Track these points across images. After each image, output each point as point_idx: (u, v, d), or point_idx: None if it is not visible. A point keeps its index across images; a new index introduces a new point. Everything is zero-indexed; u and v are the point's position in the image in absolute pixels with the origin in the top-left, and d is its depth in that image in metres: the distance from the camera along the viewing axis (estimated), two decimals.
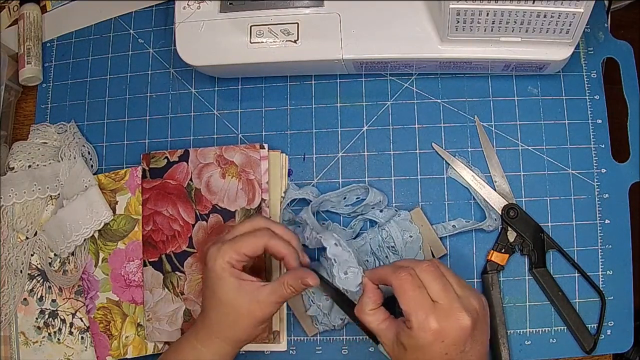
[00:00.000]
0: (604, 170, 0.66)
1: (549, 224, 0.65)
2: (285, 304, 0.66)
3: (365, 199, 0.66)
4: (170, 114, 0.74)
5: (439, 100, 0.70)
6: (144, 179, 0.70)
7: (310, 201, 0.67)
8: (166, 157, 0.70)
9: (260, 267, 0.65)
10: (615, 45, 0.69)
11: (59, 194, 0.72)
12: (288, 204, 0.68)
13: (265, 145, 0.69)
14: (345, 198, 0.67)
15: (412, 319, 0.49)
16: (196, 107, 0.74)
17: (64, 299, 0.71)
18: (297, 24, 0.65)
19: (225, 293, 0.55)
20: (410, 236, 0.64)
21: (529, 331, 0.64)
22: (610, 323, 0.63)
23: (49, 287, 0.71)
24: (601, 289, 0.64)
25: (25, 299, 0.71)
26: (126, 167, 0.72)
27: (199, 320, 0.59)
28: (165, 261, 0.68)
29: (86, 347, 0.70)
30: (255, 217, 0.61)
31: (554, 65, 0.64)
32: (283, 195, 0.68)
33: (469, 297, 0.51)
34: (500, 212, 0.65)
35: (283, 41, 0.65)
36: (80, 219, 0.69)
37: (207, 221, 0.68)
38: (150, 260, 0.69)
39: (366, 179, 0.69)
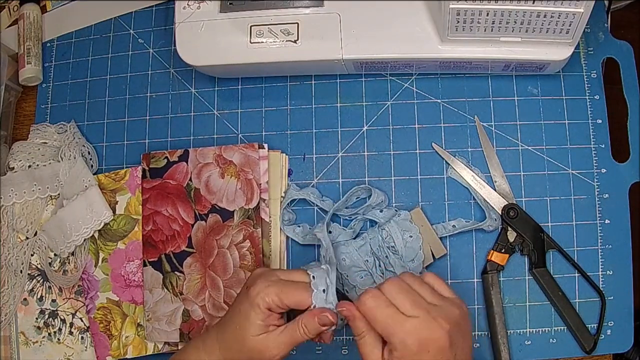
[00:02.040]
0: (604, 170, 0.66)
1: (549, 224, 0.65)
2: None
3: (366, 199, 0.66)
4: (170, 114, 0.74)
5: (439, 100, 0.70)
6: (144, 179, 0.70)
7: (311, 202, 0.67)
8: (166, 157, 0.70)
9: None
10: (615, 45, 0.69)
11: (59, 194, 0.72)
12: (288, 204, 0.68)
13: (265, 145, 0.69)
14: (346, 200, 0.67)
15: (392, 340, 0.48)
16: (196, 107, 0.74)
17: (64, 299, 0.71)
18: (297, 24, 0.65)
19: (246, 323, 0.54)
20: (410, 236, 0.64)
21: (529, 331, 0.64)
22: (610, 323, 0.63)
23: (49, 287, 0.71)
24: (601, 289, 0.64)
25: (25, 299, 0.71)
26: (126, 167, 0.72)
27: (214, 327, 0.58)
28: (165, 261, 0.68)
29: (86, 347, 0.70)
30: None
31: (554, 65, 0.64)
32: (283, 195, 0.68)
33: (443, 305, 0.50)
34: (500, 212, 0.65)
35: (283, 41, 0.65)
36: (80, 219, 0.69)
37: (206, 221, 0.68)
38: (150, 260, 0.69)
39: (366, 179, 0.69)
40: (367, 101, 0.71)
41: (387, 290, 0.50)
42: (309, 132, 0.71)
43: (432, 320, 0.48)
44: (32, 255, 0.72)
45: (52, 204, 0.72)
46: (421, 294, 0.51)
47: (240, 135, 0.72)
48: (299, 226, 0.68)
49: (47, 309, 0.71)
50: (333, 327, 0.54)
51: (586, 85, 0.68)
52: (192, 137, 0.73)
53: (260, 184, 0.68)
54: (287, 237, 0.69)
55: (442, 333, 0.48)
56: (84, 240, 0.70)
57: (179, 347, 0.68)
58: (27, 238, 0.72)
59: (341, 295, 0.59)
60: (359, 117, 0.70)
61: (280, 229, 0.68)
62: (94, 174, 0.72)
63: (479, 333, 0.65)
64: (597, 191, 0.66)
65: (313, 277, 0.54)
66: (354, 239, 0.66)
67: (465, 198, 0.67)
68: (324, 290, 0.54)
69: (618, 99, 0.68)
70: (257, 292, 0.53)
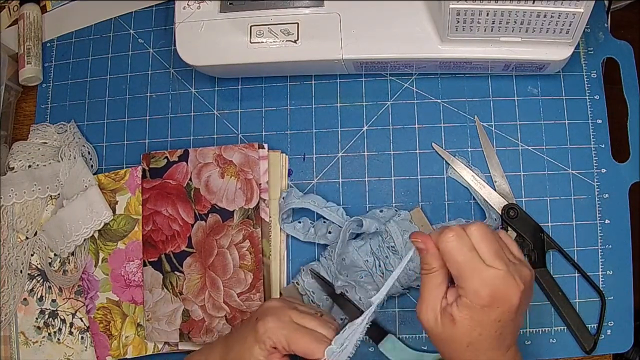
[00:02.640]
0: (604, 170, 0.66)
1: (549, 224, 0.65)
2: None
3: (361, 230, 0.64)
4: (170, 114, 0.74)
5: (439, 100, 0.70)
6: (143, 179, 0.70)
7: (311, 212, 0.67)
8: (166, 157, 0.70)
9: None
10: (615, 45, 0.69)
11: (59, 194, 0.72)
12: (289, 215, 0.68)
13: (265, 145, 0.69)
14: (344, 239, 0.64)
15: (466, 285, 0.46)
16: (196, 107, 0.74)
17: (64, 299, 0.71)
18: (297, 24, 0.65)
19: (248, 356, 0.53)
20: None
21: (529, 331, 0.64)
22: (610, 323, 0.63)
23: (49, 287, 0.71)
24: (601, 289, 0.64)
25: (25, 299, 0.71)
26: (126, 167, 0.72)
27: (217, 343, 0.57)
28: (165, 261, 0.68)
29: (86, 347, 0.70)
30: (328, 320, 0.56)
31: (554, 65, 0.64)
32: (283, 198, 0.68)
33: (521, 265, 0.48)
34: (500, 212, 0.65)
35: (283, 41, 0.65)
36: (80, 219, 0.69)
37: (206, 221, 0.68)
38: (150, 260, 0.69)
39: (366, 179, 0.69)
40: (367, 101, 0.71)
41: (472, 234, 0.47)
42: (309, 132, 0.71)
43: (510, 276, 0.46)
44: (32, 255, 0.72)
45: (52, 204, 0.72)
46: (500, 247, 0.48)
47: (240, 135, 0.72)
48: (300, 222, 0.68)
49: (47, 309, 0.71)
50: None
51: (586, 85, 0.68)
52: (192, 137, 0.73)
53: (260, 184, 0.68)
54: (287, 237, 0.69)
55: (516, 292, 0.46)
56: (84, 240, 0.70)
57: (179, 347, 0.68)
58: (27, 238, 0.72)
59: (338, 295, 0.60)
60: (359, 117, 0.70)
61: (281, 228, 0.68)
62: (94, 174, 0.72)
63: None
64: (597, 191, 0.66)
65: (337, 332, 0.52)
66: (354, 239, 0.66)
67: (465, 198, 0.67)
68: (341, 344, 0.51)
69: (618, 99, 0.68)
70: (265, 330, 0.52)
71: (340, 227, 0.65)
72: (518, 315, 0.48)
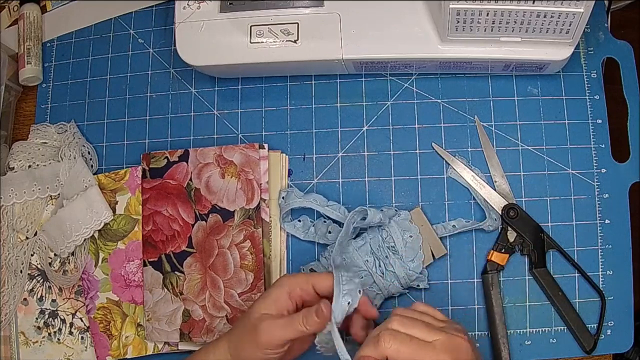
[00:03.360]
0: (604, 170, 0.66)
1: (549, 224, 0.65)
2: None
3: (365, 223, 0.64)
4: (170, 114, 0.74)
5: (439, 100, 0.70)
6: (144, 179, 0.70)
7: (312, 210, 0.67)
8: (166, 157, 0.70)
9: None
10: (615, 45, 0.69)
11: (59, 194, 0.72)
12: (289, 213, 0.68)
13: (265, 145, 0.69)
14: (348, 232, 0.64)
15: None
16: (196, 107, 0.74)
17: (64, 299, 0.71)
18: (297, 24, 0.65)
19: (257, 304, 0.55)
20: (410, 236, 0.64)
21: (529, 331, 0.64)
22: (610, 323, 0.63)
23: (49, 287, 0.71)
24: (601, 289, 0.64)
25: (25, 299, 0.71)
26: (126, 167, 0.72)
27: (224, 338, 0.58)
28: (165, 261, 0.68)
29: (86, 347, 0.70)
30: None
31: (554, 65, 0.64)
32: (283, 198, 0.68)
33: (448, 324, 0.52)
34: (500, 212, 0.65)
35: (283, 41, 0.65)
36: (80, 219, 0.69)
37: (206, 221, 0.68)
38: (150, 260, 0.69)
39: (366, 179, 0.69)
40: (367, 101, 0.71)
41: (398, 327, 0.50)
42: (309, 132, 0.71)
43: (452, 336, 0.50)
44: (32, 255, 0.72)
45: (52, 204, 0.72)
46: (426, 320, 0.51)
47: (240, 135, 0.72)
48: (299, 221, 0.68)
49: (47, 309, 0.71)
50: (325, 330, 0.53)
51: (586, 85, 0.68)
52: (192, 137, 0.73)
53: (260, 184, 0.68)
54: (287, 237, 0.69)
55: (465, 343, 0.50)
56: (84, 240, 0.70)
57: (179, 347, 0.68)
58: (27, 238, 0.72)
59: None
60: (359, 117, 0.70)
61: (281, 227, 0.68)
62: (94, 174, 0.72)
63: (479, 333, 0.65)
64: (597, 191, 0.66)
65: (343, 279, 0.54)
66: (354, 239, 0.66)
67: (465, 198, 0.67)
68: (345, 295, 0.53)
69: (618, 99, 0.68)
70: (283, 278, 0.56)
71: (340, 227, 0.65)
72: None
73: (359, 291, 0.54)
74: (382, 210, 0.66)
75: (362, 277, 0.64)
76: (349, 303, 0.53)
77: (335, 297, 0.53)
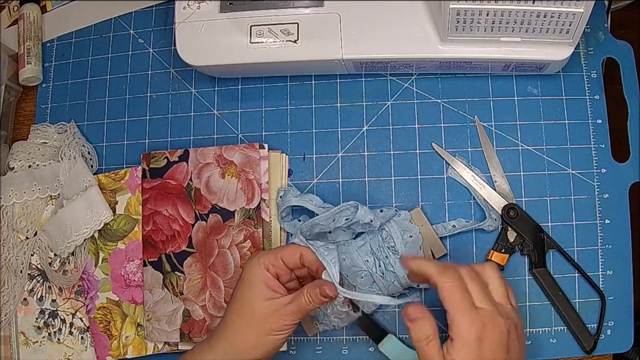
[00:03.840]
0: (604, 170, 0.66)
1: (549, 224, 0.65)
2: None
3: (354, 219, 0.63)
4: (170, 114, 0.74)
5: (439, 100, 0.70)
6: (144, 179, 0.70)
7: (311, 211, 0.66)
8: (166, 157, 0.70)
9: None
10: (615, 45, 0.69)
11: (59, 194, 0.72)
12: (289, 213, 0.68)
13: (265, 145, 0.69)
14: (334, 220, 0.64)
15: (455, 326, 0.50)
16: (196, 107, 0.74)
17: (64, 299, 0.71)
18: (297, 24, 0.65)
19: (247, 294, 0.56)
20: (410, 236, 0.64)
21: (529, 331, 0.64)
22: (610, 323, 0.63)
23: (49, 287, 0.71)
24: (601, 289, 0.64)
25: (25, 299, 0.71)
26: (126, 167, 0.72)
27: (216, 326, 0.58)
28: (165, 261, 0.68)
29: (86, 347, 0.70)
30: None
31: (554, 65, 0.64)
32: (280, 196, 0.68)
33: (507, 306, 0.52)
34: (500, 212, 0.65)
35: (283, 41, 0.65)
36: (80, 219, 0.69)
37: (206, 221, 0.68)
38: (150, 260, 0.69)
39: (366, 179, 0.69)
40: (367, 101, 0.71)
41: (464, 274, 0.52)
42: (309, 132, 0.71)
43: (497, 315, 0.50)
44: (32, 255, 0.72)
45: (52, 204, 0.72)
46: (493, 290, 0.53)
47: (240, 135, 0.72)
48: (300, 220, 0.68)
49: (47, 309, 0.71)
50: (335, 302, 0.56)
51: (586, 85, 0.68)
52: (192, 137, 0.73)
53: (260, 184, 0.68)
54: (288, 237, 0.69)
55: (502, 330, 0.50)
56: (84, 240, 0.70)
57: (179, 347, 0.68)
58: (27, 238, 0.72)
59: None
60: (359, 117, 0.70)
61: (281, 227, 0.68)
62: (94, 174, 0.72)
63: None
64: (597, 191, 0.66)
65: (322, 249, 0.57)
66: (354, 239, 0.66)
67: (465, 198, 0.67)
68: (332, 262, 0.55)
69: (618, 99, 0.68)
70: (251, 261, 0.56)
71: (341, 230, 0.65)
72: (510, 351, 0.51)
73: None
74: (381, 210, 0.66)
75: (363, 277, 0.64)
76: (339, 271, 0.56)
77: (329, 269, 0.55)
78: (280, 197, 0.68)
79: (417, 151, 0.69)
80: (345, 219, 0.63)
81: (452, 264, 0.53)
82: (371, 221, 0.62)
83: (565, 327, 0.64)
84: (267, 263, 0.56)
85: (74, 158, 0.72)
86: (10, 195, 0.72)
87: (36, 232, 0.72)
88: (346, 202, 0.63)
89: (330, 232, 0.66)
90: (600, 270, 0.64)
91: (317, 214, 0.65)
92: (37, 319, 0.71)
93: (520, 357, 0.52)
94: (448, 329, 0.50)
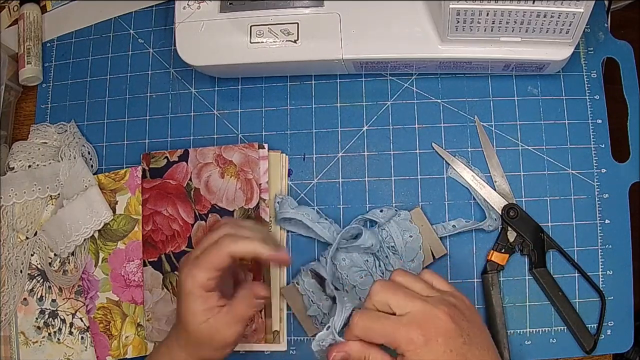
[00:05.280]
0: (604, 170, 0.66)
1: (549, 224, 0.65)
2: (285, 304, 0.66)
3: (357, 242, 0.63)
4: (170, 114, 0.74)
5: (439, 100, 0.70)
6: (143, 179, 0.70)
7: (306, 225, 0.65)
8: (166, 157, 0.70)
9: (256, 277, 0.64)
10: (615, 45, 0.69)
11: (59, 194, 0.72)
12: (285, 221, 0.68)
13: (265, 145, 0.69)
14: (339, 242, 0.64)
15: (398, 343, 0.47)
16: (196, 107, 0.74)
17: (64, 299, 0.71)
18: (297, 24, 0.65)
19: (189, 317, 0.54)
20: (410, 236, 0.64)
21: (529, 331, 0.64)
22: (610, 323, 0.63)
23: (49, 287, 0.71)
24: (601, 289, 0.64)
25: (25, 299, 0.71)
26: (126, 167, 0.72)
27: (173, 328, 0.58)
28: (165, 261, 0.68)
29: (86, 347, 0.70)
30: (219, 226, 0.58)
31: (554, 65, 0.64)
32: (278, 203, 0.68)
33: (441, 296, 0.49)
34: (500, 212, 0.65)
35: (283, 41, 0.65)
36: (80, 219, 0.69)
37: (206, 221, 0.68)
38: (150, 260, 0.69)
39: (366, 179, 0.69)
40: (367, 101, 0.71)
41: (376, 299, 0.49)
42: (309, 132, 0.71)
43: (430, 307, 0.47)
44: (32, 255, 0.72)
45: (52, 204, 0.72)
46: (414, 289, 0.49)
47: (240, 135, 0.72)
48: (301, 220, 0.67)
49: (47, 309, 0.71)
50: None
51: (586, 85, 0.68)
52: (192, 137, 0.73)
53: (260, 184, 0.68)
54: (287, 237, 0.69)
55: (444, 317, 0.47)
56: (84, 240, 0.70)
57: None
58: (27, 238, 0.72)
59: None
60: (359, 117, 0.70)
61: (280, 227, 0.68)
62: (94, 174, 0.72)
63: None
64: (597, 191, 0.66)
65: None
66: (354, 238, 0.66)
67: (465, 198, 0.67)
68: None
69: (618, 99, 0.68)
70: (185, 279, 0.54)
71: (330, 244, 0.65)
72: (469, 336, 0.47)
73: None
74: (381, 210, 0.66)
75: (362, 277, 0.64)
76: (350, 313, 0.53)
77: (338, 312, 0.53)
78: (278, 203, 0.67)
79: (417, 151, 0.69)
80: (346, 240, 0.63)
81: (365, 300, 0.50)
82: (372, 245, 0.62)
83: (565, 327, 0.64)
84: (203, 280, 0.53)
85: (74, 158, 0.72)
86: (10, 195, 0.72)
87: (36, 232, 0.72)
88: (348, 227, 0.63)
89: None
90: (600, 270, 0.64)
91: (311, 228, 0.65)
92: (37, 319, 0.71)
93: (481, 332, 0.49)
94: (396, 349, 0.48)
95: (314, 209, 0.67)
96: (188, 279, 0.54)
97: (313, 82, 0.72)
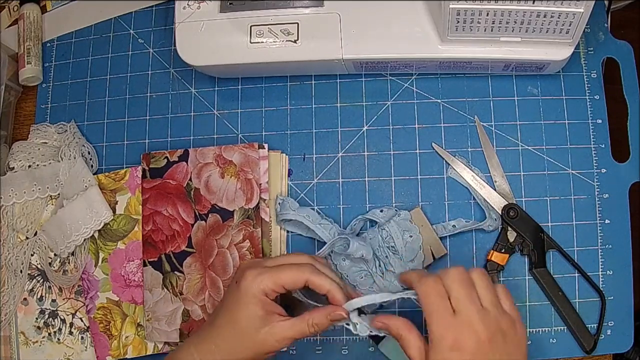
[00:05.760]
0: (604, 170, 0.66)
1: (549, 224, 0.65)
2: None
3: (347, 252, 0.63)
4: (170, 114, 0.74)
5: (439, 100, 0.70)
6: (144, 179, 0.70)
7: (306, 226, 0.65)
8: (166, 157, 0.70)
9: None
10: (615, 45, 0.69)
11: (59, 194, 0.72)
12: (285, 222, 0.68)
13: (265, 145, 0.69)
14: (333, 250, 0.64)
15: (432, 330, 0.49)
16: (196, 107, 0.74)
17: (64, 299, 0.71)
18: (297, 24, 0.65)
19: (245, 319, 0.54)
20: (410, 236, 0.64)
21: (529, 331, 0.64)
22: (610, 323, 0.63)
23: (49, 287, 0.71)
24: (601, 289, 0.64)
25: (25, 299, 0.71)
26: (126, 167, 0.72)
27: (204, 329, 0.57)
28: (165, 261, 0.68)
29: (86, 347, 0.70)
30: (299, 253, 0.59)
31: (554, 65, 0.64)
32: (279, 204, 0.68)
33: (495, 312, 0.50)
34: (500, 212, 0.65)
35: (283, 41, 0.65)
36: (80, 219, 0.69)
37: (206, 221, 0.68)
38: (149, 260, 0.69)
39: (366, 179, 0.69)
40: (367, 101, 0.71)
41: (447, 278, 0.51)
42: (309, 132, 0.71)
43: (477, 321, 0.48)
44: (32, 255, 0.72)
45: (52, 204, 0.72)
46: (483, 297, 0.50)
47: (240, 135, 0.72)
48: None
49: (47, 309, 0.71)
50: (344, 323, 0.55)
51: (586, 85, 0.68)
52: (192, 137, 0.73)
53: (260, 184, 0.68)
54: (288, 237, 0.69)
55: (481, 337, 0.48)
56: (84, 240, 0.70)
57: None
58: (27, 238, 0.72)
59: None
60: (359, 117, 0.70)
61: (280, 228, 0.68)
62: (94, 174, 0.72)
63: None
64: (597, 191, 0.66)
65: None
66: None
67: (465, 198, 0.67)
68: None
69: (618, 99, 0.68)
70: (250, 284, 0.54)
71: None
72: (500, 356, 0.49)
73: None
74: (381, 210, 0.66)
75: (363, 277, 0.64)
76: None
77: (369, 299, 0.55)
78: (279, 204, 0.67)
79: (417, 151, 0.69)
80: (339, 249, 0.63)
81: (438, 273, 0.51)
82: (363, 256, 0.62)
83: (565, 327, 0.64)
84: (267, 289, 0.54)
85: (74, 158, 0.72)
86: (10, 195, 0.72)
87: (36, 232, 0.72)
88: (337, 237, 0.63)
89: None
90: (600, 270, 0.64)
91: (313, 230, 0.65)
92: (37, 319, 0.71)
93: None
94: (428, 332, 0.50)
95: (314, 209, 0.67)
96: (255, 283, 0.53)
97: (313, 82, 0.72)
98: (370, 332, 0.55)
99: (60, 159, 0.72)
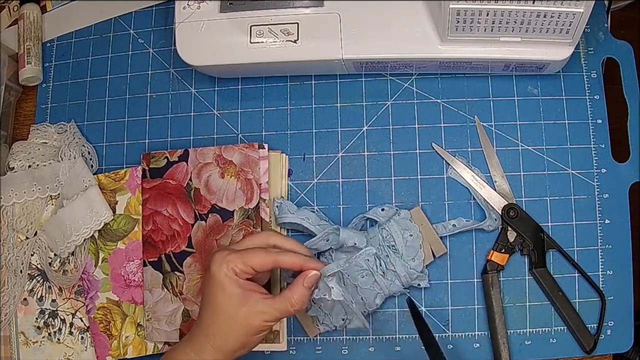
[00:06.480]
0: (604, 170, 0.66)
1: (549, 224, 0.65)
2: None
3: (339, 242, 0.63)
4: (170, 114, 0.74)
5: (439, 100, 0.70)
6: (144, 179, 0.70)
7: (307, 227, 0.65)
8: (166, 157, 0.70)
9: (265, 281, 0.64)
10: (615, 45, 0.69)
11: (59, 194, 0.72)
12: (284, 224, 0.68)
13: (265, 145, 0.69)
14: (328, 240, 0.64)
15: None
16: (196, 107, 0.74)
17: (64, 299, 0.71)
18: (297, 24, 0.65)
19: (225, 300, 0.54)
20: (411, 235, 0.64)
21: (529, 331, 0.64)
22: (610, 323, 0.63)
23: (49, 287, 0.71)
24: (601, 289, 0.64)
25: (25, 299, 0.71)
26: (126, 167, 0.72)
27: (194, 327, 0.58)
28: (165, 261, 0.68)
29: (86, 347, 0.70)
30: (267, 232, 0.61)
31: (554, 65, 0.64)
32: (277, 207, 0.68)
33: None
34: (500, 212, 0.65)
35: (283, 41, 0.65)
36: (80, 219, 0.69)
37: (206, 221, 0.68)
38: (149, 260, 0.69)
39: (366, 179, 0.69)
40: (367, 101, 0.71)
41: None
42: (309, 132, 0.71)
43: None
44: (32, 255, 0.72)
45: (52, 204, 0.72)
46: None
47: (240, 135, 0.72)
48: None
49: (47, 309, 0.71)
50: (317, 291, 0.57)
51: (586, 85, 0.68)
52: (192, 137, 0.73)
53: (260, 184, 0.68)
54: (288, 236, 0.68)
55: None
56: (84, 240, 0.70)
57: None
58: (27, 238, 0.72)
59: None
60: (359, 117, 0.70)
61: (280, 227, 0.68)
62: (94, 174, 0.72)
63: (479, 333, 0.65)
64: (597, 191, 0.66)
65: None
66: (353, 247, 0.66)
67: (465, 198, 0.67)
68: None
69: (618, 99, 0.68)
70: (219, 266, 0.55)
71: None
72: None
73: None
74: (382, 209, 0.66)
75: (364, 277, 0.64)
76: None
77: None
78: (277, 207, 0.67)
79: (417, 151, 0.69)
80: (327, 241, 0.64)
81: None
82: (355, 244, 0.62)
83: (565, 327, 0.64)
84: (237, 269, 0.54)
85: (74, 158, 0.72)
86: (10, 195, 0.72)
87: (36, 232, 0.72)
88: (329, 227, 0.63)
89: (327, 241, 0.66)
90: (600, 270, 0.64)
91: (312, 231, 0.65)
92: (37, 319, 0.71)
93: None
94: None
95: (312, 210, 0.67)
96: (223, 264, 0.54)
97: (313, 82, 0.72)
98: (343, 296, 0.56)
99: (60, 159, 0.72)
